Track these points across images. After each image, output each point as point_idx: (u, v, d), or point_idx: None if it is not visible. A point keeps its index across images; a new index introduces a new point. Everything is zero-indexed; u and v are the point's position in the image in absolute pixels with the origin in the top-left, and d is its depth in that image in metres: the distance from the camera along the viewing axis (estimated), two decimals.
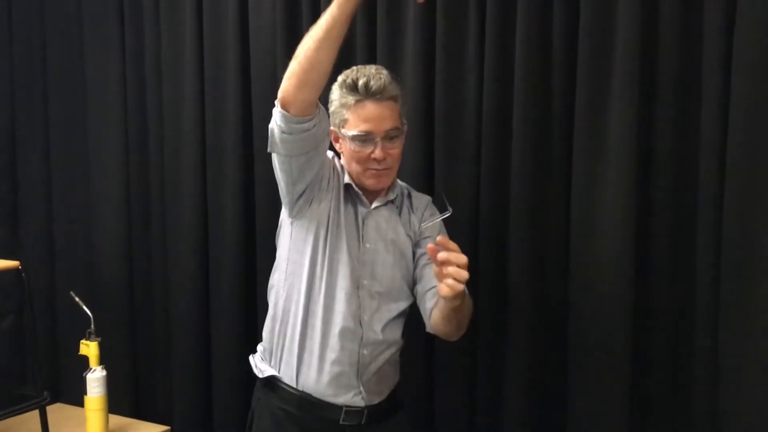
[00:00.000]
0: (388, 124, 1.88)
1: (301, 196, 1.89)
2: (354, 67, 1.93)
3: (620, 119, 2.01)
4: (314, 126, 1.75)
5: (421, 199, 2.10)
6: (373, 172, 1.91)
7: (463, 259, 1.63)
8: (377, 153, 1.87)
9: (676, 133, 2.02)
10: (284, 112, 1.73)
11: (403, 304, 1.99)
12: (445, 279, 1.63)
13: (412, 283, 2.01)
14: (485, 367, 2.31)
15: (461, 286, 1.64)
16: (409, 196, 2.08)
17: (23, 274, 2.95)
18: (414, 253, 2.02)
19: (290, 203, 1.92)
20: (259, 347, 2.08)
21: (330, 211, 1.92)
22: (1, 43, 3.26)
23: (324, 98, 1.89)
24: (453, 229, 2.06)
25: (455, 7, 2.23)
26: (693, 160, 1.99)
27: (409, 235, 2.01)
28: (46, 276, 3.25)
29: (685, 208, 2.03)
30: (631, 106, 2.00)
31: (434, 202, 2.14)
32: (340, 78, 1.92)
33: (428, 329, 1.95)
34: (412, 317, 2.04)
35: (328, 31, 1.64)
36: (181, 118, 2.79)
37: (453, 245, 1.66)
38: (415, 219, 2.04)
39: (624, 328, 2.06)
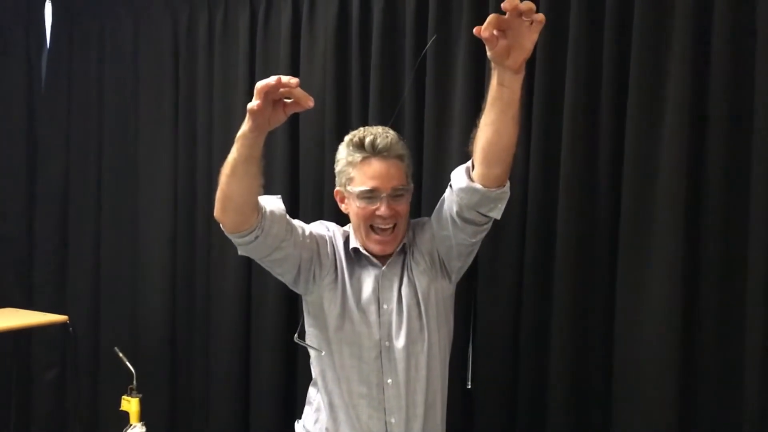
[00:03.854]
0: (394, 182, 1.87)
1: (297, 279, 1.89)
2: (361, 128, 1.95)
3: (666, 217, 2.00)
4: (256, 237, 1.75)
5: (416, 223, 2.03)
6: (377, 237, 1.89)
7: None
8: (383, 210, 1.85)
9: (723, 237, 1.99)
10: (222, 227, 1.76)
11: (426, 351, 1.89)
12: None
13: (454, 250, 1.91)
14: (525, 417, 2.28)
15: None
16: (413, 231, 2.01)
17: (71, 329, 3.01)
18: (441, 250, 1.93)
19: (292, 286, 1.94)
20: (304, 412, 2.07)
21: (337, 283, 1.91)
22: (59, 107, 3.39)
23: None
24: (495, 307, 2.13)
25: None
26: (741, 248, 1.96)
27: (416, 276, 1.92)
28: (91, 331, 3.30)
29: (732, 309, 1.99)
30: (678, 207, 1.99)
31: None
32: (346, 138, 1.92)
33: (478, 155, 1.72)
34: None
35: (234, 169, 1.64)
36: None
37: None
38: (415, 248, 1.96)
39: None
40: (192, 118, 3.01)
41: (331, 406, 1.92)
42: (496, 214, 1.80)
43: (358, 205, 1.88)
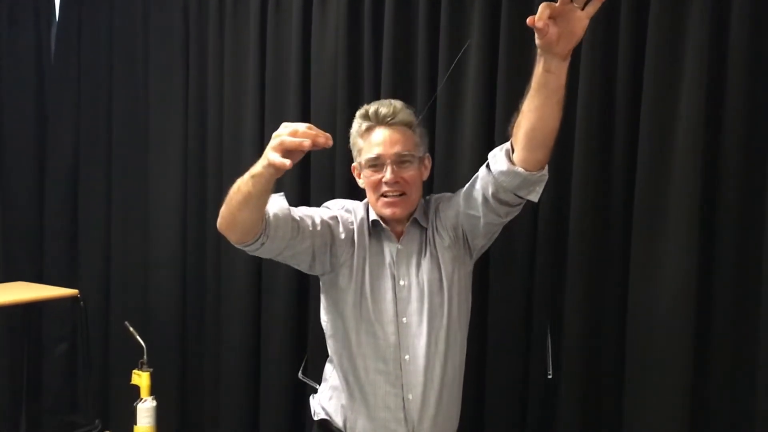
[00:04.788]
0: (398, 148, 1.86)
1: (313, 266, 1.90)
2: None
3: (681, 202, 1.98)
4: (262, 245, 1.76)
5: (438, 198, 2.02)
6: (386, 200, 1.89)
7: None
8: (387, 176, 1.86)
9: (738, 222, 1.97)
10: (227, 238, 1.77)
11: (446, 326, 1.89)
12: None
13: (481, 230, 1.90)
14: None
15: None
16: (435, 207, 2.00)
17: (82, 303, 3.02)
18: (466, 227, 1.92)
19: (308, 271, 1.94)
20: (319, 388, 2.08)
21: (354, 259, 1.91)
22: (69, 80, 3.38)
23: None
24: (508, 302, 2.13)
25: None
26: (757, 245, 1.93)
27: (439, 252, 1.91)
28: (101, 305, 3.31)
29: (746, 294, 1.96)
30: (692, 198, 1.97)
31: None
32: (358, 112, 1.96)
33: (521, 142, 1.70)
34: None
35: (246, 200, 1.64)
36: (240, 161, 2.81)
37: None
38: (439, 223, 1.95)
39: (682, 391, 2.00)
40: (203, 89, 2.98)
41: (348, 383, 1.93)
42: (534, 197, 1.79)
43: (366, 174, 1.90)
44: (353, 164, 1.97)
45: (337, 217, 1.94)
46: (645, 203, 2.03)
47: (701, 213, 1.96)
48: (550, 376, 2.08)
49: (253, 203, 1.64)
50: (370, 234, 1.94)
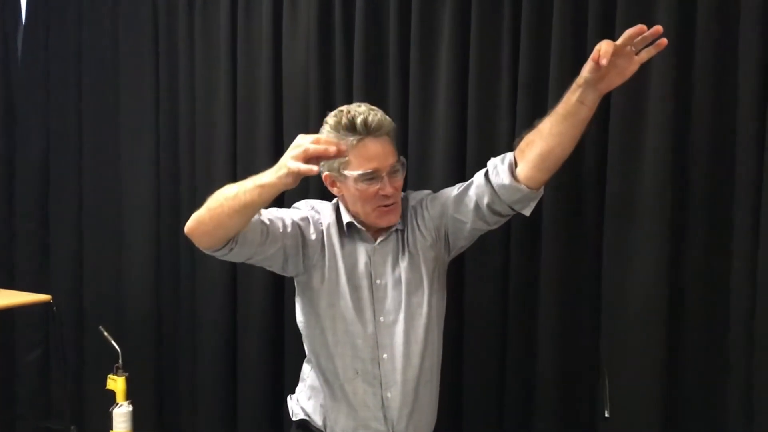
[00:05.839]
0: (391, 160, 1.86)
1: (285, 267, 1.91)
2: (342, 108, 1.89)
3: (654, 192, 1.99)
4: (231, 250, 1.76)
5: (416, 196, 2.03)
6: (384, 209, 1.88)
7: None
8: (387, 190, 1.85)
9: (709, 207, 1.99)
10: (195, 244, 1.78)
11: (424, 325, 1.90)
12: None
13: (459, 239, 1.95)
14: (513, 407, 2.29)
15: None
16: (414, 205, 2.00)
17: (54, 308, 3.00)
18: (450, 229, 1.94)
19: (280, 272, 1.95)
20: (297, 388, 2.09)
21: (326, 260, 1.91)
22: (37, 81, 3.34)
23: None
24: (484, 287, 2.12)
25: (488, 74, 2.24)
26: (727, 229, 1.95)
27: (420, 251, 1.92)
28: (74, 310, 3.28)
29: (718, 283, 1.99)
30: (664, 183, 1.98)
31: None
32: (331, 120, 1.85)
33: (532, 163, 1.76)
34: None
35: (245, 209, 1.64)
36: (213, 165, 2.82)
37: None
38: (420, 222, 1.95)
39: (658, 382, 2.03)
40: (174, 93, 2.97)
41: (327, 383, 1.94)
42: (527, 211, 1.86)
43: (358, 187, 1.85)
44: (325, 173, 1.92)
45: (308, 218, 1.94)
46: (616, 200, 2.04)
47: (671, 212, 1.97)
48: (607, 416, 2.05)
49: (249, 212, 1.65)
50: (342, 235, 1.94)
